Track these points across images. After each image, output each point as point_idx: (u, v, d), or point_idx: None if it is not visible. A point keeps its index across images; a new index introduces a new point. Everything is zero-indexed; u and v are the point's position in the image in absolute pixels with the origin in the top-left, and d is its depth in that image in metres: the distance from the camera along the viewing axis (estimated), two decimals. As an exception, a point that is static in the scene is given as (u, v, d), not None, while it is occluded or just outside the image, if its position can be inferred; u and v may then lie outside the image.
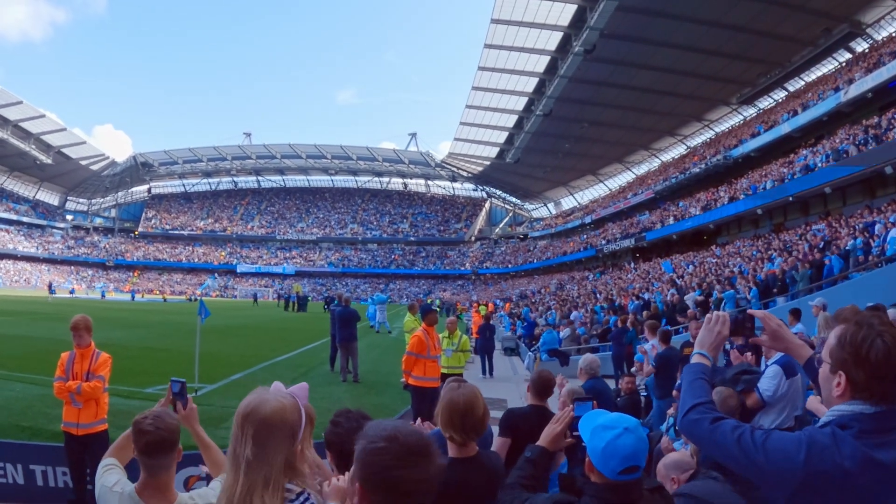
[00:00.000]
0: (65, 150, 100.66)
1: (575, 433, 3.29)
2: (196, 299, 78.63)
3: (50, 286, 71.52)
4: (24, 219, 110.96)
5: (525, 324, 34.59)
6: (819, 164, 36.66)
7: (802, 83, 57.16)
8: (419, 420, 4.78)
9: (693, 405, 2.71)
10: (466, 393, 3.69)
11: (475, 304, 57.44)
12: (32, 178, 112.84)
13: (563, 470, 4.05)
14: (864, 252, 20.39)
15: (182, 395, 3.59)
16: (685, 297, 25.32)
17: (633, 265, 58.07)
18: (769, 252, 30.13)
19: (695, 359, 3.00)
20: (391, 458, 2.04)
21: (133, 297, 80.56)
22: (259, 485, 2.20)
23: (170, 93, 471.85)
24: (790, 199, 38.87)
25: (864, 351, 2.30)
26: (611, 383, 12.31)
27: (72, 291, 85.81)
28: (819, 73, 55.18)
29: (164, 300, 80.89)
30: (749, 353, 7.86)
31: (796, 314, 12.66)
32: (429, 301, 75.49)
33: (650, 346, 12.61)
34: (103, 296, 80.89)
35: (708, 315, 3.16)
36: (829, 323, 9.55)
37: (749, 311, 3.32)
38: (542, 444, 3.42)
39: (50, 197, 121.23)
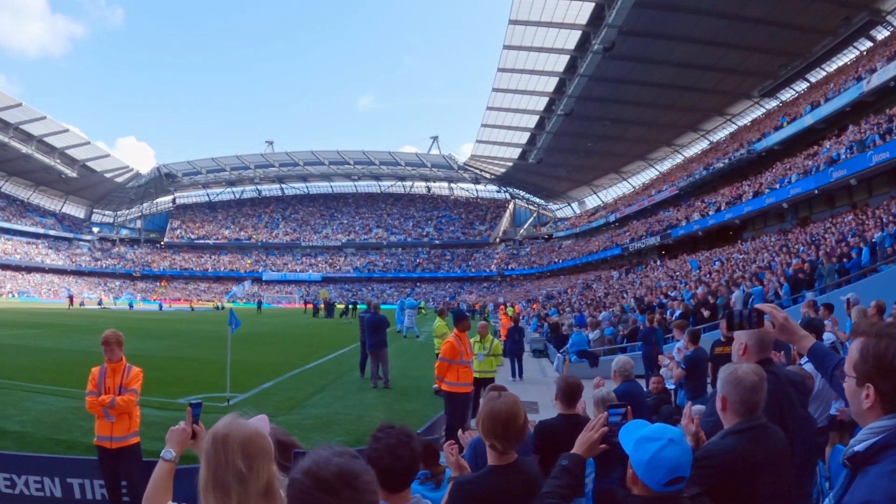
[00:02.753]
0: (89, 164, 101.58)
1: (613, 440, 3.27)
2: (223, 308, 79.19)
3: (70, 298, 71.58)
4: (51, 232, 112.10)
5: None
6: (843, 156, 36.37)
7: (824, 73, 56.80)
8: (459, 431, 4.75)
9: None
10: (508, 402, 3.69)
11: (502, 307, 57.36)
12: (58, 192, 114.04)
13: (592, 470, 4.03)
14: (893, 244, 20.19)
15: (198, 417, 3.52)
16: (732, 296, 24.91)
17: (658, 263, 57.86)
18: (796, 246, 29.95)
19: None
20: (300, 492, 1.95)
21: (161, 307, 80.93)
22: (260, 499, 2.14)
23: (191, 103, 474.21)
24: (815, 191, 38.59)
25: (888, 361, 2.27)
26: (642, 383, 12.23)
27: (99, 303, 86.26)
28: (840, 63, 54.76)
29: (192, 309, 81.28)
30: (780, 353, 7.80)
31: (829, 308, 12.57)
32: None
33: (677, 347, 12.50)
34: (131, 306, 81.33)
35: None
36: (862, 316, 9.44)
37: (757, 305, 3.37)
38: (577, 452, 3.39)
39: (76, 210, 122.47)
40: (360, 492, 1.97)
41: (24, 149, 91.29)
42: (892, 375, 2.26)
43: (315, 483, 1.93)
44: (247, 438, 2.16)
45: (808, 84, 58.72)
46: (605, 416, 3.46)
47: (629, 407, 3.53)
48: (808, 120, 46.41)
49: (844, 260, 21.43)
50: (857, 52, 52.36)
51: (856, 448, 2.32)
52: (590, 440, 3.39)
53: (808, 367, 6.31)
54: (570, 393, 5.37)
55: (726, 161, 58.11)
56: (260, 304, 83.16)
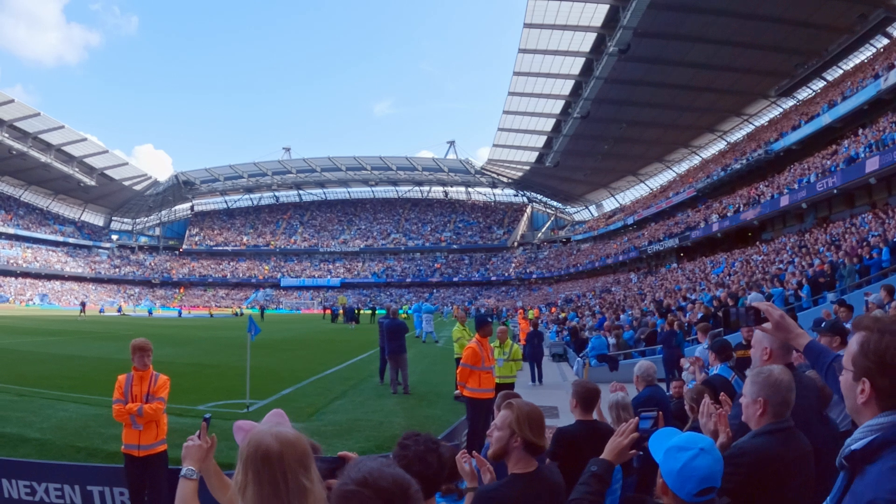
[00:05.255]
0: (107, 172, 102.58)
1: (643, 445, 3.22)
2: (242, 314, 79.39)
3: (83, 305, 71.35)
4: (71, 240, 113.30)
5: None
6: (862, 155, 36.15)
7: (841, 72, 56.58)
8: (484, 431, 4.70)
9: None
10: (531, 404, 3.67)
11: (521, 311, 57.22)
12: (77, 200, 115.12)
13: (620, 477, 3.99)
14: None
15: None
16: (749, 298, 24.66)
17: (677, 265, 57.69)
18: (816, 247, 29.75)
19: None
20: (360, 502, 1.94)
21: (180, 314, 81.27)
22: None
23: (207, 111, 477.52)
24: (834, 191, 38.35)
25: (888, 358, 2.22)
26: (663, 387, 12.10)
27: (119, 309, 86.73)
28: (857, 61, 54.61)
29: (211, 315, 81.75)
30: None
31: (850, 309, 12.41)
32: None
33: (700, 350, 12.35)
34: (150, 313, 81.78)
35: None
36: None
37: (753, 303, 3.35)
38: (606, 458, 3.35)
39: (95, 218, 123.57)
40: (414, 501, 1.98)
41: (44, 158, 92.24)
42: (890, 373, 2.22)
43: (375, 493, 1.92)
44: (303, 451, 2.11)
45: (825, 82, 58.58)
46: (635, 422, 3.42)
47: (660, 412, 3.50)
48: (826, 119, 46.23)
49: (865, 257, 21.23)
50: (874, 50, 52.20)
51: (853, 447, 2.26)
52: (619, 445, 3.36)
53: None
54: (588, 398, 5.30)
55: (744, 162, 57.95)
56: (263, 309, 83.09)
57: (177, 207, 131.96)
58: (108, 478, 7.74)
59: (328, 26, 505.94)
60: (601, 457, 3.35)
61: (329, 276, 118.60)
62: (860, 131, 40.57)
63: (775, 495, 3.31)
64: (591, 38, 58.07)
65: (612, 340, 25.66)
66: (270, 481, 2.05)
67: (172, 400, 13.76)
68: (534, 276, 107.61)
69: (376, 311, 65.48)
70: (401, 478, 2.00)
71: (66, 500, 7.72)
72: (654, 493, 2.95)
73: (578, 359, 25.04)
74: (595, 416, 5.38)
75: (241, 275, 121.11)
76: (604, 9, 53.27)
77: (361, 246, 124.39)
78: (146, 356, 7.14)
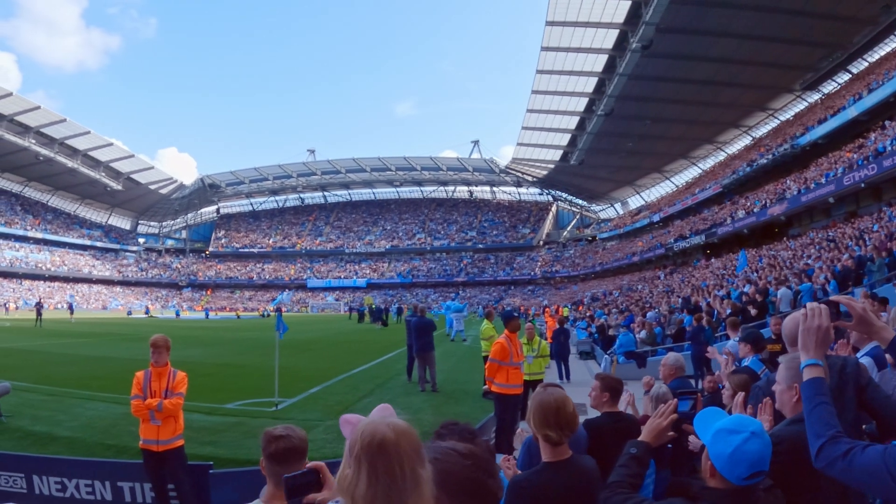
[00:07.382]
0: (134, 176, 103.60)
1: (682, 428, 3.18)
2: (269, 315, 79.70)
3: (70, 306, 68.30)
4: (98, 244, 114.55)
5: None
6: (889, 147, 35.82)
7: (866, 64, 56.12)
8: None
9: (821, 446, 2.52)
10: (555, 392, 3.61)
11: (546, 309, 57.14)
12: (104, 205, 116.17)
13: (652, 472, 3.94)
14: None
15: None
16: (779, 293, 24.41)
17: (704, 262, 57.39)
18: (844, 241, 29.48)
19: (807, 374, 2.79)
20: (473, 463, 2.04)
21: (207, 315, 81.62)
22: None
23: (230, 113, 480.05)
24: (862, 185, 38.00)
25: None
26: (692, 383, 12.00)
27: (146, 311, 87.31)
28: (882, 53, 54.21)
29: (238, 317, 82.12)
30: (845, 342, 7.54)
31: (884, 302, 12.27)
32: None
33: (731, 344, 12.21)
34: (178, 315, 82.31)
35: (802, 311, 2.99)
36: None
37: (832, 297, 3.23)
38: (645, 440, 3.31)
39: (122, 221, 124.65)
40: (497, 474, 2.21)
41: (70, 163, 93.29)
42: None
43: (480, 456, 2.15)
44: (417, 440, 2.02)
45: (851, 75, 58.17)
46: (674, 403, 3.38)
47: (699, 395, 3.45)
48: (852, 112, 45.84)
49: (895, 251, 20.99)
50: (900, 41, 51.72)
51: None
52: (658, 427, 3.31)
53: (865, 360, 6.13)
54: (617, 389, 5.29)
55: (770, 157, 57.58)
56: (274, 311, 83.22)
57: (202, 210, 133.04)
58: (138, 474, 7.76)
59: (349, 27, 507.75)
60: (639, 439, 3.32)
61: (355, 277, 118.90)
62: (887, 124, 40.22)
63: (812, 482, 3.26)
64: (613, 34, 57.93)
65: (643, 335, 25.55)
66: (387, 472, 1.93)
67: (202, 399, 13.93)
68: (559, 274, 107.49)
69: (403, 312, 65.44)
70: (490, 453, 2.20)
71: (96, 496, 7.75)
72: (700, 475, 2.90)
73: (606, 356, 24.96)
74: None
75: (267, 276, 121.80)
76: (626, 5, 53.14)
77: (387, 246, 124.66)
78: (161, 352, 7.22)
